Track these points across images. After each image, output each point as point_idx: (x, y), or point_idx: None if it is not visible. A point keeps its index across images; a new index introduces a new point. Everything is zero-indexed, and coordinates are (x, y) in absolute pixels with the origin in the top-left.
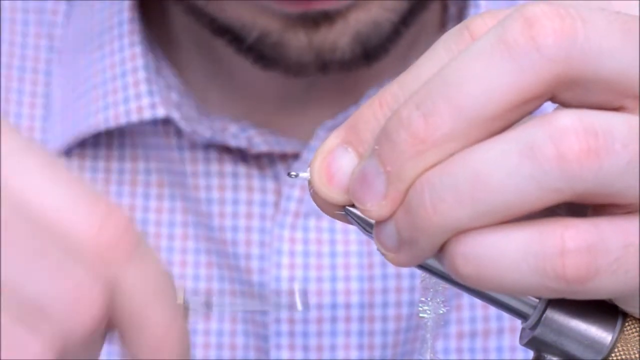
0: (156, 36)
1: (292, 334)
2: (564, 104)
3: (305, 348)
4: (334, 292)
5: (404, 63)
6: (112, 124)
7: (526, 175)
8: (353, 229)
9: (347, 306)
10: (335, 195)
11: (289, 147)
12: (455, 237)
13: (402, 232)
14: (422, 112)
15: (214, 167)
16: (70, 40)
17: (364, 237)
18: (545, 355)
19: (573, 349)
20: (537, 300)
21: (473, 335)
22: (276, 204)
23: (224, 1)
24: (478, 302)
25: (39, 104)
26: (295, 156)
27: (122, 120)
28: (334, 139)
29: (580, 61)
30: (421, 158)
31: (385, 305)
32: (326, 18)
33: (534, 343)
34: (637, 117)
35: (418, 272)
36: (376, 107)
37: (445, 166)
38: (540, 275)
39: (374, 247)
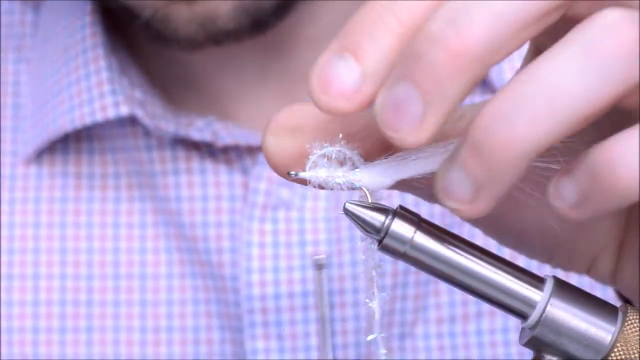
0: (121, 37)
1: (265, 324)
2: None
3: (280, 337)
4: (304, 281)
5: None
6: (77, 124)
7: (595, 74)
8: (322, 217)
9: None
10: (338, 103)
11: (253, 140)
12: (600, 149)
13: (477, 175)
14: (455, 25)
15: (182, 165)
16: (39, 47)
17: (332, 224)
18: (545, 355)
19: (572, 349)
20: (537, 300)
21: (452, 319)
22: (244, 198)
23: None
24: None
25: (8, 115)
26: (259, 150)
27: (87, 120)
28: (328, 51)
29: None
30: (464, 75)
31: (355, 290)
32: None
33: (533, 343)
34: None
35: (388, 257)
36: (373, 11)
37: (512, 86)
38: None
39: (343, 234)
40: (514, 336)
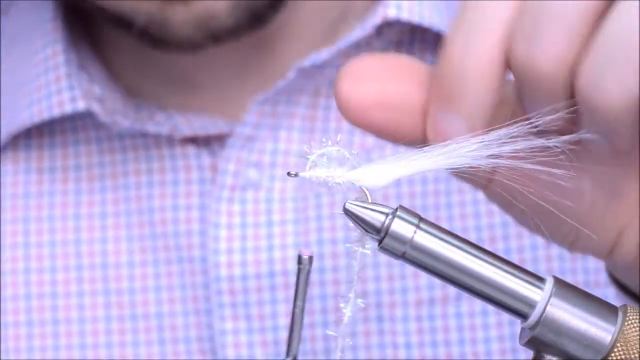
0: (84, 31)
1: (234, 305)
2: None
3: (248, 317)
4: (271, 261)
5: (328, 38)
6: (36, 119)
7: None
8: (290, 197)
9: (285, 273)
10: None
11: (214, 129)
12: None
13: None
14: None
15: (153, 151)
16: (8, 44)
17: (300, 204)
18: (545, 355)
19: (572, 348)
20: (537, 300)
21: (432, 302)
22: (213, 180)
23: None
24: None
25: None
26: (224, 136)
27: (45, 116)
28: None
29: None
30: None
31: (322, 270)
32: None
33: (533, 343)
34: None
35: (350, 236)
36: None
37: (595, 47)
38: None
39: (310, 213)
40: (493, 319)
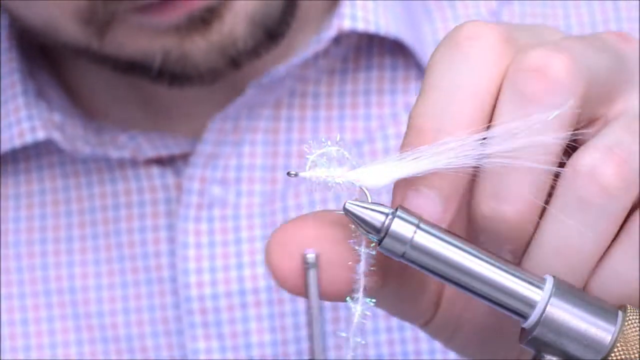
0: (42, 55)
1: (205, 324)
2: None
3: (220, 336)
4: (241, 279)
5: (286, 50)
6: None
7: None
8: (257, 213)
9: (256, 291)
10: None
11: (176, 149)
12: None
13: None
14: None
15: (117, 173)
16: None
17: (268, 219)
18: (545, 355)
19: (572, 348)
20: (537, 300)
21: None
22: (179, 199)
23: (115, 36)
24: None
25: None
26: (188, 155)
27: (6, 147)
28: (397, 187)
29: None
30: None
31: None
32: (213, 13)
33: (533, 343)
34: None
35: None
36: (420, 137)
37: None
38: None
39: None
40: None
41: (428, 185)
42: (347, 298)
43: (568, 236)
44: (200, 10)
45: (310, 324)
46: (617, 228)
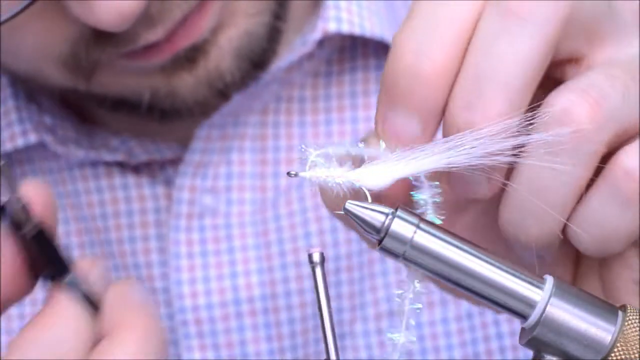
0: None
1: (200, 334)
2: None
3: (216, 347)
4: (235, 288)
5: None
6: None
7: None
8: (249, 221)
9: (251, 300)
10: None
11: (169, 153)
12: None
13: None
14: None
15: (104, 181)
16: None
17: (260, 228)
18: (545, 355)
19: (572, 348)
20: (537, 300)
21: (391, 314)
22: (169, 209)
23: (101, 78)
24: (392, 280)
25: None
26: (179, 160)
27: None
28: (380, 106)
29: None
30: None
31: (287, 294)
32: (198, 51)
33: (533, 343)
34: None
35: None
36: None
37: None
38: None
39: (271, 237)
40: (454, 326)
41: (407, 106)
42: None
43: (542, 177)
44: (185, 49)
45: (321, 321)
46: (591, 170)
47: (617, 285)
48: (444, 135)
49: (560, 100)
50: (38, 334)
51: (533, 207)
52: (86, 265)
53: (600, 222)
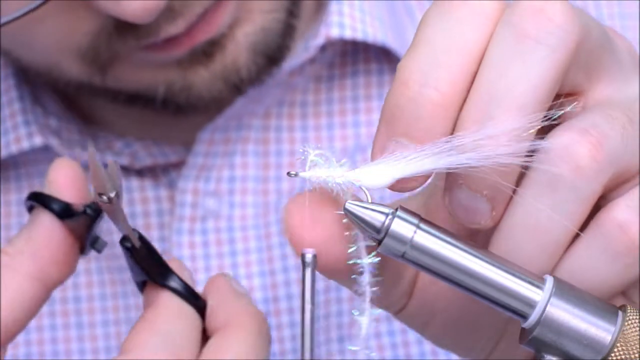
0: None
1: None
2: None
3: None
4: None
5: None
6: None
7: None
8: (251, 225)
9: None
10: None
11: (173, 157)
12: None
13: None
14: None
15: None
16: None
17: (262, 231)
18: (545, 355)
19: (572, 348)
20: (537, 300)
21: (390, 317)
22: (172, 212)
23: (118, 72)
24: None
25: None
26: (182, 163)
27: (3, 153)
28: (379, 137)
29: None
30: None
31: (289, 297)
32: (215, 45)
33: (533, 343)
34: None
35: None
36: (404, 89)
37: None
38: None
39: (273, 240)
40: None
41: (411, 137)
42: (353, 311)
43: (538, 216)
44: (203, 43)
45: (302, 321)
46: (586, 213)
47: None
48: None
49: (562, 138)
50: (149, 335)
51: (526, 245)
52: (176, 265)
53: (587, 272)
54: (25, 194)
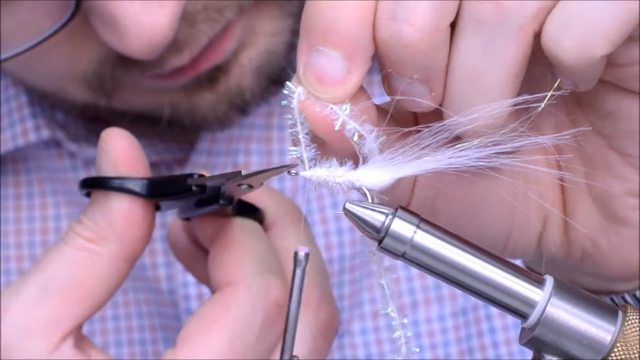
0: None
1: None
2: None
3: None
4: None
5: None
6: (1, 149)
7: None
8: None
9: None
10: (337, 93)
11: (179, 153)
12: None
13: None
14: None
15: None
16: None
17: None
18: (545, 355)
19: (572, 348)
20: (537, 300)
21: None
22: None
23: (123, 95)
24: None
25: None
26: (186, 160)
27: (10, 146)
28: (301, 52)
29: None
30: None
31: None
32: (220, 71)
33: (533, 343)
34: None
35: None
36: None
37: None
38: None
39: None
40: (450, 323)
41: (330, 44)
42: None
43: (474, 61)
44: (207, 71)
45: (286, 320)
46: (524, 51)
47: (613, 201)
48: (381, 65)
49: None
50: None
51: (467, 92)
52: None
53: (581, 17)
54: (35, 187)
